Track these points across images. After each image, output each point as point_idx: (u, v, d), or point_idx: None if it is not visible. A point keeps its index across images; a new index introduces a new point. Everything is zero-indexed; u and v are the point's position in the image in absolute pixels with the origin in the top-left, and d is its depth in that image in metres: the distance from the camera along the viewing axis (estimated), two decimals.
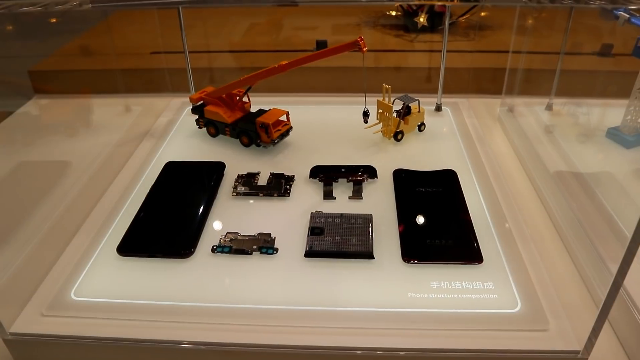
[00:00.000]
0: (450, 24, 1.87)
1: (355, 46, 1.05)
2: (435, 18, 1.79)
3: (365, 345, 0.81)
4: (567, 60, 1.42)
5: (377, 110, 1.25)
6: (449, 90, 1.45)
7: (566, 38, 1.38)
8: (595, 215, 1.09)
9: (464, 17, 1.88)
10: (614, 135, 1.32)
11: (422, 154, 1.25)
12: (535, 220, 1.12)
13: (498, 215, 1.06)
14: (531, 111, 1.46)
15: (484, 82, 1.57)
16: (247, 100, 1.29)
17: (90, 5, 0.98)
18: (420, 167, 1.19)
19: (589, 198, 1.13)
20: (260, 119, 1.21)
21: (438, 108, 1.44)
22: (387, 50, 1.65)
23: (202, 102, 1.30)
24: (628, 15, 1.21)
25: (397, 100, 1.26)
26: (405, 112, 1.27)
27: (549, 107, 1.48)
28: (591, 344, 0.79)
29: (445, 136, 1.33)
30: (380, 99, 1.25)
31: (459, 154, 1.25)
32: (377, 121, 1.27)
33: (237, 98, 1.26)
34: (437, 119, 1.43)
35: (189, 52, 1.44)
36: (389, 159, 1.22)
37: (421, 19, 1.73)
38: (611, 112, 1.37)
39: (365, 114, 1.13)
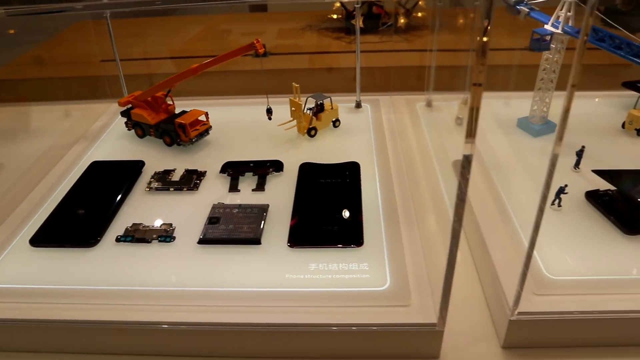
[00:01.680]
0: (388, 26, 1.94)
1: (252, 48, 1.13)
2: (372, 20, 1.86)
3: (245, 321, 0.88)
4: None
5: (290, 108, 1.32)
6: (375, 88, 1.51)
7: (472, 35, 1.43)
8: (487, 202, 1.15)
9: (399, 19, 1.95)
10: (523, 124, 1.37)
11: (333, 148, 1.32)
12: (428, 208, 1.17)
13: (390, 203, 1.12)
14: (448, 105, 1.52)
15: (411, 79, 1.63)
16: (171, 103, 1.37)
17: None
18: (329, 160, 1.25)
19: (486, 185, 1.19)
20: (178, 119, 1.29)
21: (358, 105, 1.51)
22: (321, 52, 1.72)
23: (130, 105, 1.38)
24: (528, 10, 1.27)
25: (309, 98, 1.33)
26: (318, 109, 1.34)
27: (464, 102, 1.53)
28: (442, 317, 0.85)
29: (359, 131, 1.39)
30: (292, 97, 1.32)
31: (368, 147, 1.31)
32: (291, 119, 1.34)
33: (161, 101, 1.35)
34: (356, 115, 1.49)
35: (133, 59, 1.53)
36: (301, 154, 1.29)
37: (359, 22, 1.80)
38: (526, 103, 1.43)
39: (269, 111, 1.21)
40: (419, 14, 1.94)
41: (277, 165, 1.22)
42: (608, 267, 0.95)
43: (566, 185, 1.06)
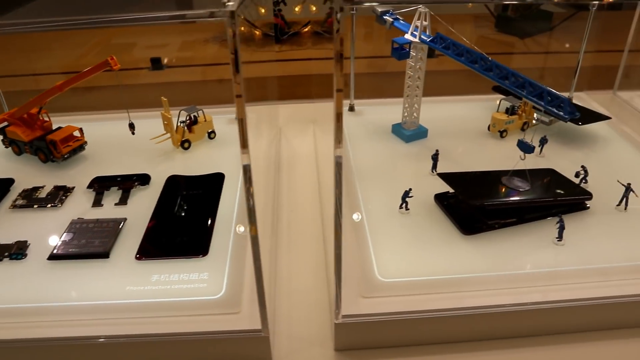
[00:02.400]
0: (293, 34, 1.98)
1: (106, 65, 1.15)
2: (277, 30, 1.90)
3: (85, 334, 0.88)
4: (363, 63, 1.51)
5: (163, 122, 1.34)
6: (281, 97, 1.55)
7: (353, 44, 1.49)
8: (347, 207, 1.18)
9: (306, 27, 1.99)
10: (397, 130, 1.41)
11: (205, 160, 1.34)
12: (288, 216, 1.20)
13: (245, 214, 1.14)
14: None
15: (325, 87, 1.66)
16: (48, 119, 1.37)
17: None
18: (199, 172, 1.28)
19: (351, 190, 1.22)
20: (49, 136, 1.29)
21: None
22: (217, 63, 1.75)
23: (5, 123, 1.38)
24: (392, 20, 1.31)
25: (182, 111, 1.36)
26: (191, 121, 1.36)
27: (351, 108, 1.57)
28: (265, 323, 0.88)
29: (237, 142, 1.41)
30: (163, 111, 1.33)
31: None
32: (164, 132, 1.35)
33: (36, 117, 1.35)
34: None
35: (16, 75, 1.52)
36: (174, 167, 1.31)
37: (258, 32, 1.83)
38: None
39: (131, 126, 1.23)
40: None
41: (143, 179, 1.23)
42: (441, 267, 0.99)
43: (410, 189, 1.10)
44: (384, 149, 1.37)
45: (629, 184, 1.11)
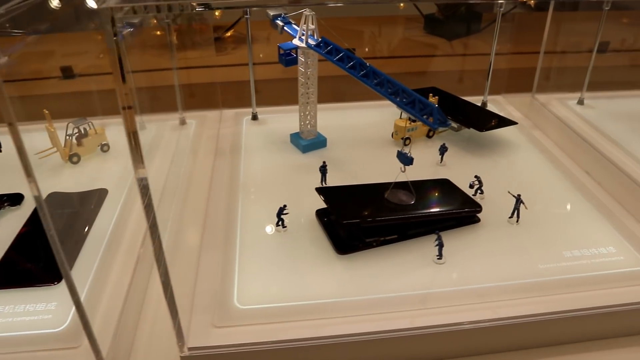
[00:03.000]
0: (215, 39, 1.91)
1: None
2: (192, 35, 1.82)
3: None
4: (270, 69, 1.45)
5: (49, 136, 1.26)
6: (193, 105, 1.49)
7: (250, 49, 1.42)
8: (218, 226, 1.11)
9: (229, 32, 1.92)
10: (295, 140, 1.34)
11: (92, 175, 1.25)
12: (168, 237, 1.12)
13: (123, 232, 1.07)
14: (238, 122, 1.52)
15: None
16: None
17: None
18: (83, 188, 1.20)
19: (227, 206, 1.15)
20: None
21: (142, 127, 1.45)
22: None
23: None
24: (282, 24, 1.24)
25: (69, 124, 1.28)
26: (81, 134, 1.28)
27: (254, 117, 1.51)
28: (100, 358, 0.81)
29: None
30: (47, 125, 1.26)
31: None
32: (51, 146, 1.28)
33: None
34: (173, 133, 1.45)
35: None
36: (59, 183, 1.21)
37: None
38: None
39: None
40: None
41: (14, 199, 1.15)
42: (308, 292, 0.91)
43: (285, 206, 1.04)
44: (278, 160, 1.30)
45: (519, 195, 1.05)
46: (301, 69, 1.23)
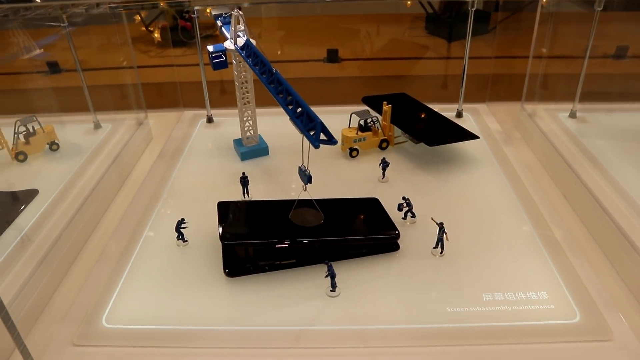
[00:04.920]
0: (206, 37, 1.87)
1: None
2: (177, 33, 1.79)
3: None
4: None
5: None
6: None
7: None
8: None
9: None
10: (236, 147, 1.27)
11: (33, 174, 1.24)
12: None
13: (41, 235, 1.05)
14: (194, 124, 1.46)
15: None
16: None
17: None
18: (25, 187, 1.19)
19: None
20: None
21: (97, 125, 1.44)
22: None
23: None
24: (220, 24, 1.18)
25: (17, 121, 1.29)
26: (29, 132, 1.29)
27: (209, 120, 1.45)
28: None
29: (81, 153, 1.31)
30: None
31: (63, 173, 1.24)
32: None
33: None
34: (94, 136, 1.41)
35: None
36: (1, 182, 1.23)
37: (155, 35, 1.74)
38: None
39: None
40: None
41: None
42: (178, 316, 0.84)
43: (183, 219, 0.97)
44: (214, 167, 1.24)
45: (441, 223, 0.92)
46: (235, 72, 1.15)
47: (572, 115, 1.36)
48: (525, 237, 0.99)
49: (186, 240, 0.98)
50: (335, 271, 0.86)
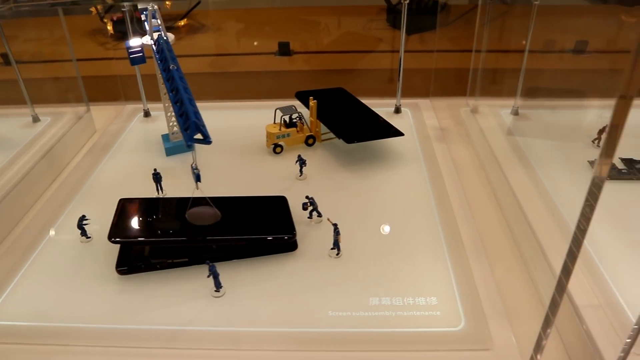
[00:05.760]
0: (168, 29, 1.85)
1: None
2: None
3: None
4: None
5: None
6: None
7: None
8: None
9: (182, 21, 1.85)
10: (163, 142, 1.25)
11: None
12: None
13: None
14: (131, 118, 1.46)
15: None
16: None
17: None
18: None
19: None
20: None
21: (35, 119, 1.44)
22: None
23: None
24: (144, 19, 1.16)
25: None
26: None
27: (146, 114, 1.44)
28: None
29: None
30: None
31: None
32: None
33: None
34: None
35: None
36: None
37: (108, 27, 1.73)
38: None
39: None
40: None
41: None
42: (64, 313, 0.83)
43: (84, 216, 0.97)
44: (139, 163, 1.22)
45: (336, 224, 0.89)
46: (157, 66, 1.14)
47: (514, 112, 1.32)
48: (431, 238, 0.96)
49: (89, 237, 0.98)
50: (228, 271, 0.85)
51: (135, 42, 1.11)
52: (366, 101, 1.34)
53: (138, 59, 1.12)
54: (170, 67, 0.91)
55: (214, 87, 1.54)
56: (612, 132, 0.52)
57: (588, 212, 0.54)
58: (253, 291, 0.86)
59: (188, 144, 0.78)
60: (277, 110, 1.19)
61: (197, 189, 0.90)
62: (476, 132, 1.26)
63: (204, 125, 0.79)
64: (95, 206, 1.07)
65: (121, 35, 1.75)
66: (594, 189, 0.53)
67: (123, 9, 1.30)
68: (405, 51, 1.35)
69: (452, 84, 1.46)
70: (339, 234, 0.89)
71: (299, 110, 1.23)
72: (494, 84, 1.38)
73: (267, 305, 0.83)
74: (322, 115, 1.22)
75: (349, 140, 1.15)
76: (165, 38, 1.05)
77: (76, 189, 1.15)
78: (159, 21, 1.08)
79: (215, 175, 1.16)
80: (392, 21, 1.74)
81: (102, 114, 1.49)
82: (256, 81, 1.54)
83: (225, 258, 0.91)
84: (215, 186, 1.05)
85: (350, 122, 1.25)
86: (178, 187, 1.12)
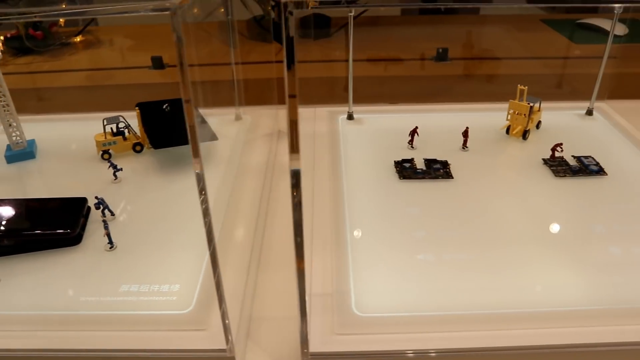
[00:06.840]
0: (63, 44, 1.98)
1: None
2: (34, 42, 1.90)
3: None
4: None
5: None
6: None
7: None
8: None
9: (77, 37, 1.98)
10: (8, 151, 1.33)
11: None
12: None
13: None
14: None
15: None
16: None
17: None
18: None
19: None
20: None
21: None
22: None
23: None
24: None
25: None
26: None
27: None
28: None
29: None
30: None
31: None
32: None
33: None
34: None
35: None
36: None
37: None
38: None
39: None
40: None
41: None
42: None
43: None
44: None
45: (104, 220, 1.00)
46: None
47: (350, 116, 1.41)
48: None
49: None
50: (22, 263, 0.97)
51: None
52: (209, 110, 1.44)
53: None
54: None
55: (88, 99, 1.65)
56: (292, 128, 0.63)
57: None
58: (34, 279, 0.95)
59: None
60: (104, 120, 1.29)
61: None
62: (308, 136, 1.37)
63: None
64: None
65: (14, 52, 1.88)
66: None
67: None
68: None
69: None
70: (106, 229, 0.99)
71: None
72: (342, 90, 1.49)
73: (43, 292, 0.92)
74: (145, 122, 1.31)
75: (155, 145, 1.25)
76: None
77: None
78: None
79: (53, 180, 1.26)
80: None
81: None
82: (128, 94, 1.64)
83: (14, 251, 1.01)
84: (54, 189, 1.20)
85: (166, 129, 1.32)
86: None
